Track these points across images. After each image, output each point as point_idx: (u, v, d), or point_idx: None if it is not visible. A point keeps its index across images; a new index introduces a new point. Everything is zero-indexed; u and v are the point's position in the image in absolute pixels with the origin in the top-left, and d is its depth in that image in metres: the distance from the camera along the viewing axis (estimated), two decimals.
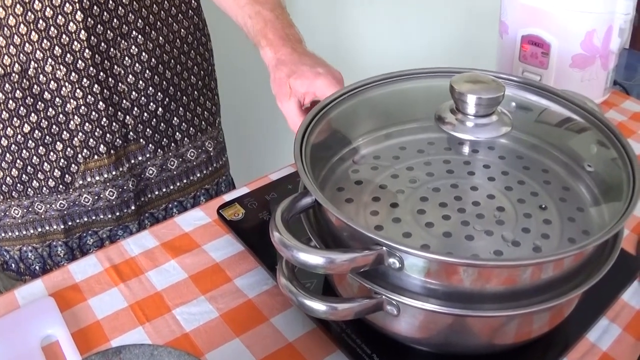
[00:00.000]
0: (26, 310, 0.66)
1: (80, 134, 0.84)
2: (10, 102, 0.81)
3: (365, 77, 0.66)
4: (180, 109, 0.92)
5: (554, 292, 0.50)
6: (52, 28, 0.78)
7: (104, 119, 0.85)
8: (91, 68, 0.81)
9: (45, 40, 0.78)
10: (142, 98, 0.87)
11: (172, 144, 0.92)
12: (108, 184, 0.88)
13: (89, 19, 0.79)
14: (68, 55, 0.80)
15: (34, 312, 0.65)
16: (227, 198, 0.77)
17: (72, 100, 0.82)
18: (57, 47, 0.79)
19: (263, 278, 0.67)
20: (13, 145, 0.84)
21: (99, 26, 0.81)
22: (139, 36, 0.85)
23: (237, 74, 1.38)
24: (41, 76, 0.80)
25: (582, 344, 0.60)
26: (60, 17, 0.78)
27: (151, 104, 0.88)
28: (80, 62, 0.81)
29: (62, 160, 0.85)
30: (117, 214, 0.90)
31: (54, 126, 0.83)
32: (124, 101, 0.86)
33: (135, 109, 0.87)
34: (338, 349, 0.59)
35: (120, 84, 0.85)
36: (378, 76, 0.66)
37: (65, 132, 0.84)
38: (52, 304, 0.66)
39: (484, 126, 0.59)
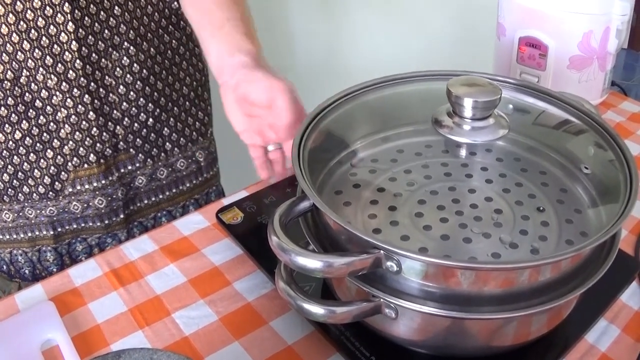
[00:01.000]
0: (26, 315, 0.66)
1: (70, 142, 0.85)
2: (2, 108, 0.81)
3: (362, 81, 0.66)
4: (171, 119, 0.92)
5: (552, 293, 0.50)
6: (44, 38, 0.78)
7: (94, 129, 0.85)
8: (82, 78, 0.81)
9: (37, 50, 0.79)
10: (133, 109, 0.87)
11: (162, 154, 0.93)
12: (97, 192, 0.88)
13: (80, 30, 0.80)
14: (59, 65, 0.80)
15: (34, 316, 0.65)
16: (226, 202, 0.77)
17: (62, 109, 0.82)
18: (48, 57, 0.80)
19: (262, 281, 0.67)
20: (4, 151, 0.84)
21: (90, 37, 0.81)
22: (131, 47, 0.85)
23: None
24: (33, 84, 0.81)
25: (581, 345, 0.60)
26: (52, 27, 0.78)
27: (142, 114, 0.88)
28: (71, 72, 0.81)
29: (52, 168, 0.86)
30: (106, 222, 0.90)
31: (44, 134, 0.84)
32: (115, 111, 0.86)
33: (126, 119, 0.87)
34: (337, 352, 0.59)
35: (111, 95, 0.85)
36: (375, 80, 0.66)
37: (55, 140, 0.84)
38: (52, 308, 0.66)
39: (481, 129, 0.59)
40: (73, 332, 0.63)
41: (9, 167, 0.85)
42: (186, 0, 0.81)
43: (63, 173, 0.86)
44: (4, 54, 0.78)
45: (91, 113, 0.83)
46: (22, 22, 0.77)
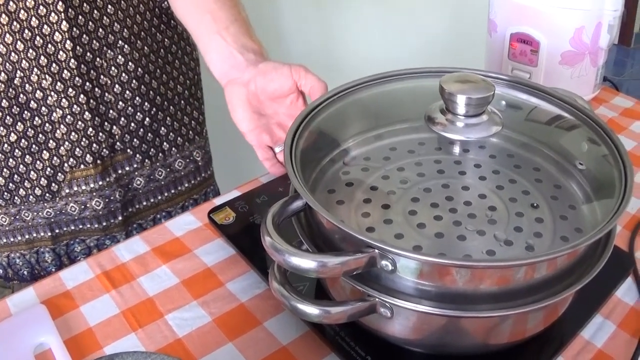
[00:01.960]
0: (18, 319, 0.65)
1: (66, 143, 0.84)
2: None
3: (353, 79, 0.66)
4: (168, 118, 0.91)
5: (547, 291, 0.50)
6: (38, 38, 0.78)
7: (91, 129, 0.84)
8: (77, 78, 0.81)
9: (30, 50, 0.78)
10: (129, 108, 0.87)
11: (160, 154, 0.92)
12: (94, 193, 0.87)
13: (74, 29, 0.79)
14: (54, 65, 0.79)
15: (26, 320, 0.65)
16: (218, 202, 0.77)
17: (57, 110, 0.82)
18: (42, 57, 0.79)
19: (255, 282, 0.67)
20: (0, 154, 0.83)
21: (84, 36, 0.80)
22: (125, 45, 0.84)
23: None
24: (27, 85, 0.80)
25: (577, 342, 0.60)
26: (45, 26, 0.77)
27: (138, 114, 0.88)
28: (65, 72, 0.80)
29: (48, 169, 0.85)
30: (104, 224, 0.89)
31: (40, 135, 0.83)
32: (111, 111, 0.85)
33: (122, 119, 0.86)
34: (332, 352, 0.59)
35: (106, 94, 0.84)
36: (367, 77, 0.66)
37: (51, 141, 0.84)
38: (44, 311, 0.65)
39: (474, 126, 0.59)
40: (65, 336, 0.62)
41: (5, 170, 0.84)
42: (183, 0, 0.80)
43: (59, 174, 0.86)
44: None
45: (87, 113, 0.82)
46: (15, 22, 0.76)
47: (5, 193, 0.86)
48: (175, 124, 0.92)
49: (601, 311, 0.62)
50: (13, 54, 0.77)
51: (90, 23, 0.80)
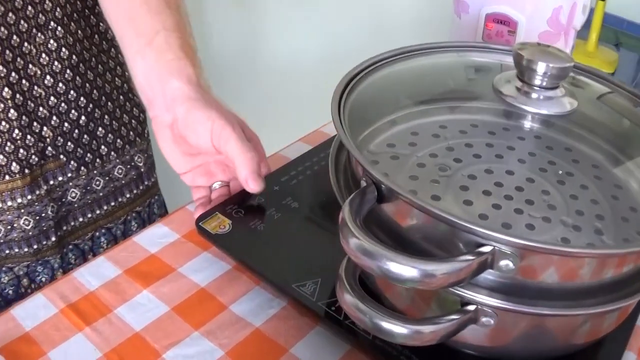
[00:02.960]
0: None
1: None
2: None
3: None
4: (106, 116, 0.77)
5: None
6: None
7: (16, 131, 0.68)
8: (0, 67, 0.66)
9: None
10: (62, 104, 0.71)
11: (97, 160, 0.77)
12: (23, 210, 0.71)
13: None
14: None
15: None
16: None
17: None
18: None
19: (265, 300, 0.55)
20: None
21: (10, 14, 0.65)
22: (58, 28, 0.69)
23: None
24: None
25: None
26: None
27: (72, 111, 0.73)
28: None
29: None
30: (35, 246, 0.73)
31: None
32: (41, 108, 0.70)
33: (54, 117, 0.71)
34: None
35: (36, 87, 0.69)
36: (390, 51, 0.57)
37: None
38: None
39: (550, 99, 0.51)
40: None
41: None
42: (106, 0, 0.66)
43: None
44: None
45: (12, 111, 0.67)
46: None
47: None
48: (114, 123, 0.77)
49: None
50: None
51: None
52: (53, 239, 0.73)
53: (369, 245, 0.37)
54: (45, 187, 0.72)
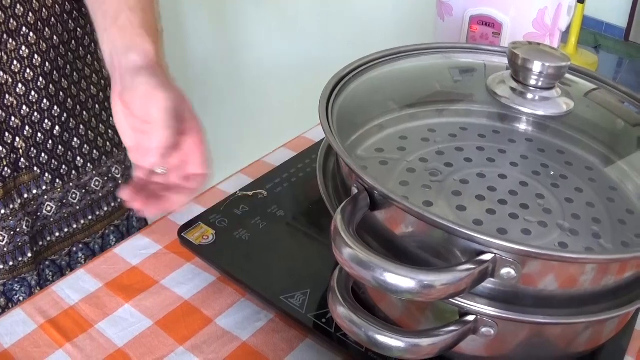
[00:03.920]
0: None
1: None
2: None
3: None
4: (81, 126, 0.74)
5: None
6: None
7: None
8: None
9: None
10: (35, 113, 0.68)
11: (73, 172, 0.74)
12: None
13: None
14: None
15: None
16: (185, 216, 0.61)
17: None
18: None
19: (252, 313, 0.53)
20: None
21: None
22: (31, 34, 0.66)
23: None
24: None
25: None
26: None
27: (46, 120, 0.70)
28: None
29: None
30: (11, 263, 0.70)
31: None
32: (13, 118, 0.67)
33: (27, 127, 0.68)
34: None
35: (7, 96, 0.66)
36: (374, 54, 0.56)
37: None
38: None
39: (546, 100, 0.50)
40: None
41: None
42: None
43: None
44: None
45: None
46: None
47: None
48: (90, 133, 0.75)
49: None
50: None
51: None
52: (29, 255, 0.70)
53: (364, 256, 0.35)
54: (19, 201, 0.69)
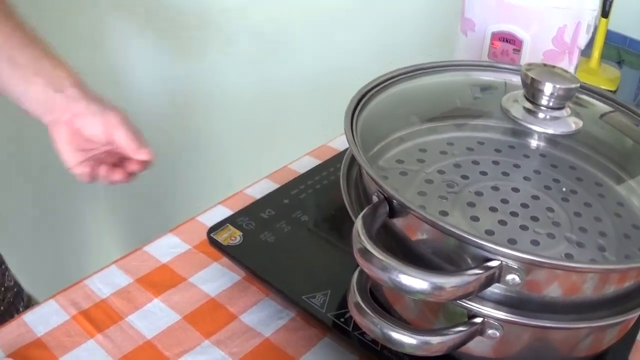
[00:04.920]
0: None
1: None
2: None
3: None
4: None
5: None
6: None
7: None
8: None
9: None
10: None
11: None
12: None
13: None
14: None
15: None
16: (213, 217, 0.65)
17: None
18: None
19: (275, 311, 0.56)
20: None
21: None
22: None
23: None
24: None
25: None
26: None
27: None
28: None
29: None
30: None
31: None
32: None
33: None
34: None
35: None
36: (397, 70, 0.59)
37: None
38: None
39: (556, 119, 0.53)
40: None
41: None
42: None
43: None
44: None
45: None
46: None
47: None
48: None
49: None
50: None
51: None
52: None
53: (382, 258, 0.38)
54: None
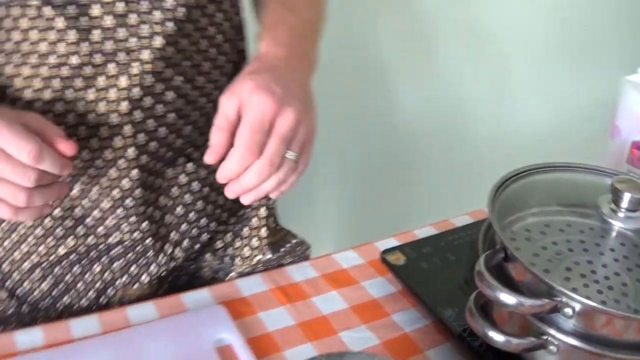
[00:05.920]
0: (197, 314, 0.74)
1: (121, 260, 0.82)
2: (47, 219, 0.78)
3: None
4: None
5: None
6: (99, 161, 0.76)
7: (151, 251, 0.82)
8: (141, 207, 0.80)
9: (92, 169, 0.76)
10: (194, 230, 0.86)
11: None
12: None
13: (143, 156, 0.77)
14: (116, 190, 0.78)
15: (206, 316, 0.73)
16: (384, 245, 0.87)
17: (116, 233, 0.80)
18: (104, 179, 0.77)
19: (417, 316, 0.78)
20: (45, 263, 0.79)
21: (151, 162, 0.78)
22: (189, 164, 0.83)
23: None
24: (85, 201, 0.78)
25: None
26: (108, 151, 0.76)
27: (204, 235, 0.88)
28: (129, 200, 0.78)
29: (98, 283, 0.82)
30: None
31: (92, 252, 0.81)
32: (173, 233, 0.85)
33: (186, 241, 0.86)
34: None
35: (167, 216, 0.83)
36: (537, 164, 0.80)
37: (105, 257, 0.81)
38: (224, 311, 0.74)
39: (632, 218, 0.72)
40: (245, 336, 0.72)
41: (49, 277, 0.80)
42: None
43: (110, 289, 0.83)
44: None
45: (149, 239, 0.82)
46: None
47: (48, 299, 0.81)
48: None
49: None
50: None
51: (154, 143, 0.77)
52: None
53: (490, 280, 0.61)
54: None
